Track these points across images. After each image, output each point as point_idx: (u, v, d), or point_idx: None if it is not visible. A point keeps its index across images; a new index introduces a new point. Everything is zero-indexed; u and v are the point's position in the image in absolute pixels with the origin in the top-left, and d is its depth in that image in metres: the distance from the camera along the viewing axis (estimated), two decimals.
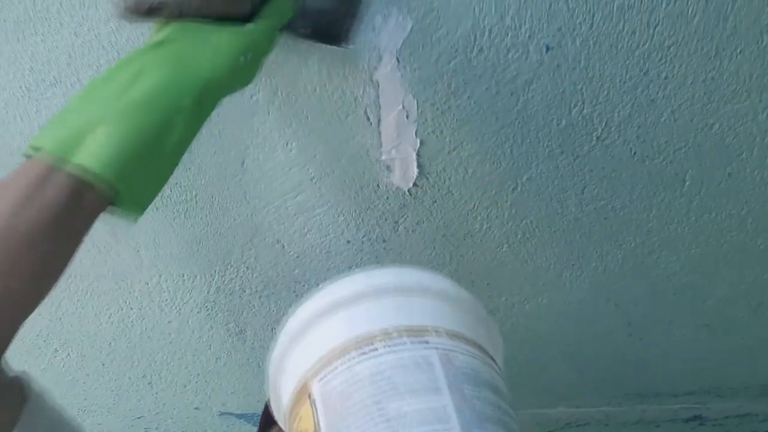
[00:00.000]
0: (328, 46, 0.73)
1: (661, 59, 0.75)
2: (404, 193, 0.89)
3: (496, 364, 0.48)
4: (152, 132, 0.54)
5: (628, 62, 0.75)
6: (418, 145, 0.83)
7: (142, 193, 0.56)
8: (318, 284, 1.02)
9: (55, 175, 0.51)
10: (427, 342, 0.42)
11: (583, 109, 0.79)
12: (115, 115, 0.53)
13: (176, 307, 1.07)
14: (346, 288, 0.46)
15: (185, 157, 0.84)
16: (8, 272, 0.50)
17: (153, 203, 0.57)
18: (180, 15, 0.58)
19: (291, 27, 0.67)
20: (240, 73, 0.61)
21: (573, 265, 0.98)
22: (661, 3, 0.70)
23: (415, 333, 0.42)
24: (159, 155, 0.56)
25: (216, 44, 0.58)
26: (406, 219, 0.92)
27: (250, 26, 0.61)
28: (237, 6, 0.60)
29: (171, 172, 0.59)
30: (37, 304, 0.53)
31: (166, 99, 0.55)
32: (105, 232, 0.96)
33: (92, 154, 0.51)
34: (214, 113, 0.80)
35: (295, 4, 0.66)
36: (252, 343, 1.14)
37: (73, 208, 0.52)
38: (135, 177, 0.54)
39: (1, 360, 0.55)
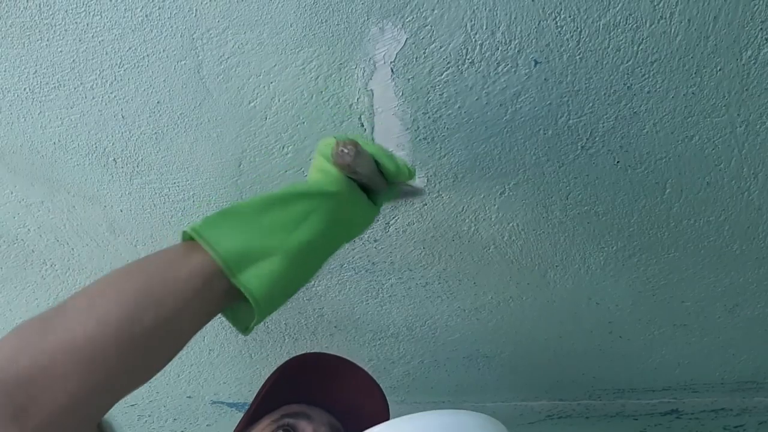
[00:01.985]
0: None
1: (644, 75, 0.78)
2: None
3: None
4: (304, 275, 0.65)
5: (612, 77, 0.78)
6: (410, 151, 0.86)
7: (264, 315, 0.63)
8: (310, 281, 1.05)
9: (218, 285, 0.58)
10: None
11: (569, 119, 0.82)
12: (283, 253, 0.61)
13: None
14: None
15: (184, 158, 0.87)
16: (140, 360, 0.55)
17: None
18: (353, 174, 0.69)
19: None
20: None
21: (557, 266, 1.02)
22: (645, 22, 0.73)
23: None
24: (292, 292, 0.66)
25: (365, 214, 0.72)
26: (397, 220, 0.95)
27: (381, 200, 0.74)
28: (379, 186, 0.72)
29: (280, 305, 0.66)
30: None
31: (324, 249, 0.67)
32: (104, 228, 0.99)
33: (254, 282, 0.59)
34: (212, 117, 0.83)
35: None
36: (244, 337, 1.16)
37: (215, 313, 0.61)
38: (276, 305, 0.63)
39: None
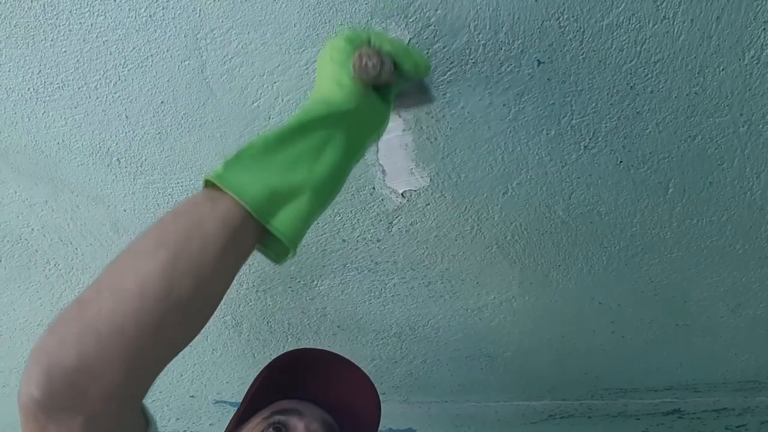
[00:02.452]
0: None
1: (647, 74, 0.78)
2: (399, 196, 0.92)
3: None
4: (325, 206, 0.64)
5: (615, 77, 0.78)
6: (414, 151, 0.86)
7: (294, 249, 0.62)
8: (314, 281, 1.06)
9: (248, 231, 0.58)
10: None
11: (572, 119, 0.82)
12: (310, 190, 0.60)
13: None
14: None
15: (187, 158, 0.88)
16: (182, 315, 0.55)
17: None
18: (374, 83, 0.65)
19: None
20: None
21: (559, 266, 1.02)
22: (648, 22, 0.73)
23: None
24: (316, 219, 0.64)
25: (380, 119, 0.68)
26: (400, 220, 0.95)
27: (389, 97, 0.69)
28: (393, 81, 0.68)
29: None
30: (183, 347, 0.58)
31: (345, 172, 0.65)
32: (107, 228, 0.99)
33: (284, 226, 0.59)
34: (215, 117, 0.83)
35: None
36: (248, 336, 1.17)
37: (247, 257, 0.60)
38: (300, 240, 0.62)
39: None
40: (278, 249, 0.63)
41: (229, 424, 0.95)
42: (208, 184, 0.59)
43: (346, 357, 0.99)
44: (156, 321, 0.53)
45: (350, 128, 0.64)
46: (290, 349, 0.99)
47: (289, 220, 0.59)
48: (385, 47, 0.66)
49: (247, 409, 0.93)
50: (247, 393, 0.96)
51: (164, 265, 0.54)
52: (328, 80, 0.66)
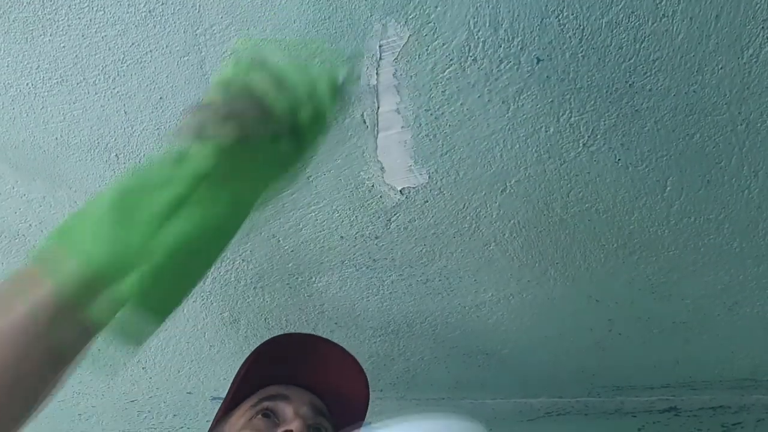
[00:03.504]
0: None
1: (646, 72, 0.78)
2: (397, 193, 0.92)
3: None
4: (184, 287, 0.51)
5: (614, 75, 0.78)
6: (413, 148, 0.86)
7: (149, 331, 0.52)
8: (311, 277, 1.06)
9: (69, 318, 0.47)
10: None
11: (571, 117, 0.82)
12: (150, 267, 0.47)
13: None
14: None
15: None
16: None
17: None
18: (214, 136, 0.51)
19: None
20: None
21: (557, 263, 1.02)
22: (648, 20, 0.73)
23: None
24: (186, 292, 0.51)
25: (273, 157, 0.54)
26: (398, 217, 0.95)
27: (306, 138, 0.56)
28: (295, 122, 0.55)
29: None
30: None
31: (211, 246, 0.51)
32: None
33: (108, 317, 0.47)
34: None
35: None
36: (245, 332, 1.17)
37: (78, 347, 0.49)
38: (152, 327, 0.50)
39: None
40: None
41: (217, 413, 0.95)
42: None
43: (333, 340, 0.98)
44: None
45: (218, 197, 0.50)
46: (272, 335, 0.98)
47: (111, 307, 0.47)
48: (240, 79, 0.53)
49: (234, 397, 0.92)
50: (233, 380, 0.95)
51: None
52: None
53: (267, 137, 0.53)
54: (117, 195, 0.49)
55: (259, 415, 0.85)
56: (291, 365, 0.94)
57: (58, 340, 0.47)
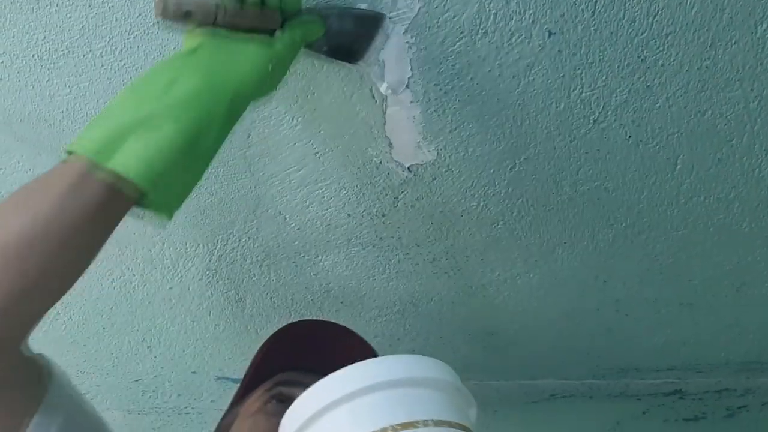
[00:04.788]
0: (341, 62, 0.77)
1: (658, 47, 0.77)
2: (405, 170, 0.91)
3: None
4: (187, 138, 0.56)
5: (626, 49, 0.77)
6: (421, 124, 0.85)
7: (172, 198, 0.59)
8: (318, 256, 1.06)
9: (91, 179, 0.54)
10: None
11: (582, 92, 0.82)
12: (152, 119, 0.55)
13: (178, 274, 1.10)
14: (343, 386, 0.53)
15: None
16: (43, 269, 0.53)
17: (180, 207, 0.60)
18: (214, 23, 0.61)
19: (310, 44, 0.72)
20: (266, 84, 0.64)
21: (565, 242, 1.02)
22: None
23: (407, 427, 0.49)
24: (191, 161, 0.58)
25: (245, 56, 0.62)
26: (405, 195, 0.95)
27: (277, 40, 0.64)
28: (267, 22, 0.64)
29: (200, 177, 0.61)
30: (62, 296, 0.57)
31: (200, 106, 0.58)
32: None
33: (128, 161, 0.54)
34: None
35: (321, 25, 0.70)
36: (251, 311, 1.16)
37: (107, 210, 0.55)
38: (167, 183, 0.56)
39: (22, 345, 0.58)
40: (159, 201, 0.57)
41: (233, 397, 0.95)
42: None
43: (349, 327, 0.98)
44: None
45: (197, 69, 0.59)
46: (289, 321, 0.99)
47: (135, 152, 0.54)
48: None
49: (250, 382, 0.92)
50: (249, 366, 0.96)
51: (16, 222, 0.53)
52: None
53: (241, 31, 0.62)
54: (128, 87, 0.59)
55: (274, 400, 0.86)
56: (307, 352, 0.94)
57: (88, 200, 0.54)
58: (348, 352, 0.95)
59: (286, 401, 0.86)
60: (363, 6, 0.74)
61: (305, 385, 0.88)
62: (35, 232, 0.52)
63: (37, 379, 0.61)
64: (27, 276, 0.52)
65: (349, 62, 0.78)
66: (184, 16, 0.60)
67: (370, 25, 0.75)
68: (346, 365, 0.93)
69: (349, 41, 0.75)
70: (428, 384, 0.54)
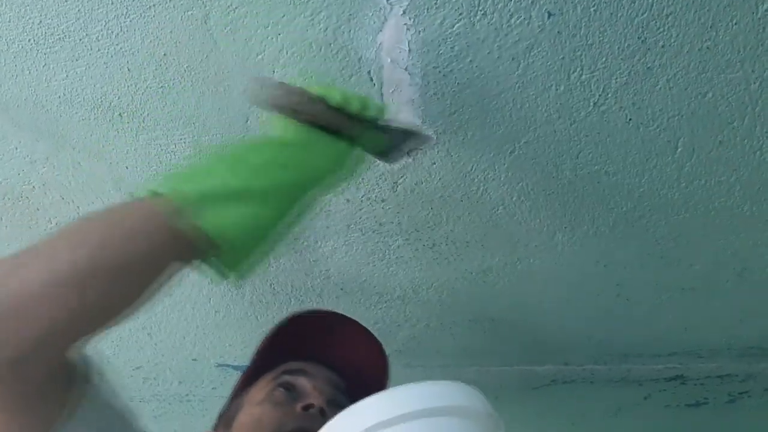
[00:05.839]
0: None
1: (659, 28, 0.76)
2: (404, 154, 0.91)
3: None
4: (274, 221, 0.63)
5: (626, 30, 0.77)
6: (420, 107, 0.85)
7: (243, 266, 0.63)
8: (317, 242, 1.05)
9: (174, 226, 0.57)
10: None
11: (582, 75, 0.81)
12: (247, 195, 0.60)
13: None
14: (379, 413, 0.54)
15: (190, 113, 0.86)
16: (98, 298, 0.55)
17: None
18: (307, 120, 0.67)
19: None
20: (342, 182, 0.73)
21: (565, 227, 1.01)
22: None
23: None
24: (268, 239, 0.63)
25: (335, 155, 0.69)
26: (405, 179, 0.94)
27: (355, 148, 0.72)
28: (349, 128, 0.70)
29: (269, 253, 0.65)
30: (107, 326, 0.58)
31: (290, 197, 0.65)
32: (109, 185, 0.98)
33: (219, 223, 0.58)
34: (219, 71, 0.82)
35: (386, 143, 0.77)
36: (251, 298, 1.16)
37: (176, 258, 0.59)
38: (245, 253, 0.61)
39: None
40: (229, 261, 0.61)
41: (236, 385, 0.95)
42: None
43: (354, 318, 0.98)
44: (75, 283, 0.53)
45: (292, 156, 0.65)
46: (293, 311, 0.99)
47: (228, 218, 0.59)
48: (314, 89, 0.68)
49: (255, 371, 0.93)
50: (254, 355, 0.96)
51: (86, 238, 0.55)
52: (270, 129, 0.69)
53: (347, 133, 0.70)
54: (220, 156, 0.63)
55: (280, 389, 0.86)
56: (311, 342, 0.94)
57: (168, 240, 0.57)
58: (353, 343, 0.95)
59: (291, 390, 0.86)
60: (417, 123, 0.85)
61: (310, 375, 0.89)
62: (102, 259, 0.54)
63: (74, 386, 0.61)
64: (83, 301, 0.53)
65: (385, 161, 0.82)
66: (288, 113, 0.67)
67: (415, 139, 0.82)
68: (348, 355, 0.94)
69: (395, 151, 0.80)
70: (463, 412, 0.55)
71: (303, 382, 0.88)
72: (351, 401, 0.91)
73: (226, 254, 0.60)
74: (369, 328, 0.98)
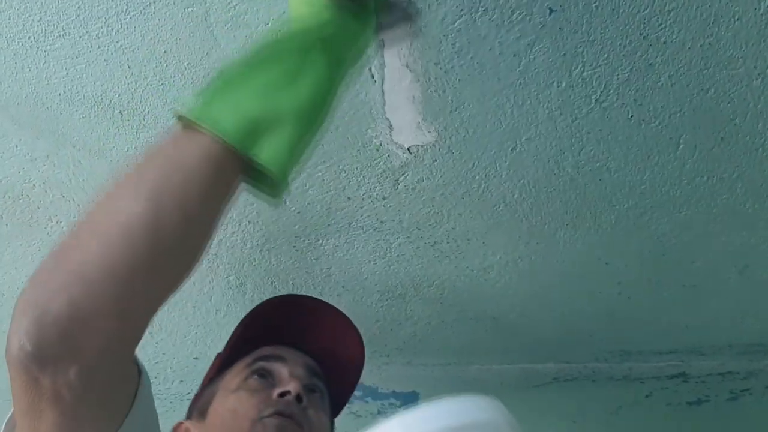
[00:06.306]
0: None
1: (660, 24, 0.76)
2: (405, 152, 0.91)
3: None
4: (313, 135, 0.60)
5: (628, 26, 0.76)
6: (421, 104, 0.84)
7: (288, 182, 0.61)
8: (318, 240, 1.05)
9: (234, 160, 0.55)
10: None
11: (584, 71, 0.81)
12: (294, 116, 0.57)
13: None
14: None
15: None
16: (169, 244, 0.53)
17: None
18: None
19: None
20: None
21: (567, 225, 1.01)
22: None
23: None
24: (308, 147, 0.61)
25: (363, 38, 0.65)
26: (406, 177, 0.94)
27: (371, 18, 0.66)
28: None
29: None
30: (180, 281, 0.57)
31: (330, 95, 0.61)
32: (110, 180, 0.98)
33: (272, 152, 0.55)
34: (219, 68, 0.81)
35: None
36: (252, 296, 1.16)
37: (231, 190, 0.58)
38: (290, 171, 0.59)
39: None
40: (269, 183, 0.59)
41: (208, 371, 0.94)
42: (182, 120, 0.56)
43: (330, 303, 0.98)
44: (146, 262, 0.52)
45: (326, 47, 0.60)
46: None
47: (274, 148, 0.56)
48: None
49: (229, 357, 0.92)
50: (229, 340, 0.95)
51: (148, 204, 0.52)
52: (296, 2, 0.64)
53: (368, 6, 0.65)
54: (255, 61, 0.59)
55: (255, 375, 0.85)
56: (286, 327, 0.94)
57: (225, 181, 0.56)
58: (328, 327, 0.95)
59: (267, 377, 0.85)
60: None
61: (286, 360, 0.88)
62: (165, 205, 0.52)
63: (138, 375, 0.62)
64: (156, 250, 0.52)
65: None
66: None
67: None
68: (323, 339, 0.93)
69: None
70: (489, 427, 0.54)
71: (279, 368, 0.87)
72: (327, 386, 0.91)
73: (283, 181, 0.58)
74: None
